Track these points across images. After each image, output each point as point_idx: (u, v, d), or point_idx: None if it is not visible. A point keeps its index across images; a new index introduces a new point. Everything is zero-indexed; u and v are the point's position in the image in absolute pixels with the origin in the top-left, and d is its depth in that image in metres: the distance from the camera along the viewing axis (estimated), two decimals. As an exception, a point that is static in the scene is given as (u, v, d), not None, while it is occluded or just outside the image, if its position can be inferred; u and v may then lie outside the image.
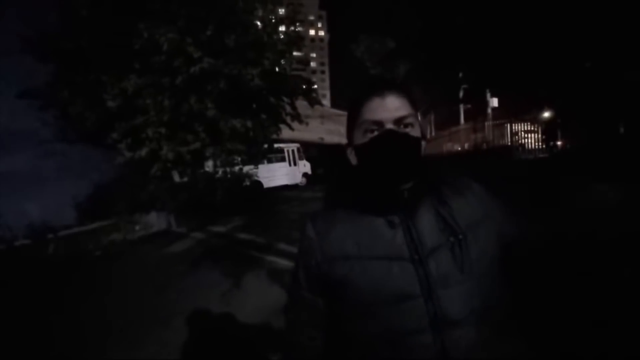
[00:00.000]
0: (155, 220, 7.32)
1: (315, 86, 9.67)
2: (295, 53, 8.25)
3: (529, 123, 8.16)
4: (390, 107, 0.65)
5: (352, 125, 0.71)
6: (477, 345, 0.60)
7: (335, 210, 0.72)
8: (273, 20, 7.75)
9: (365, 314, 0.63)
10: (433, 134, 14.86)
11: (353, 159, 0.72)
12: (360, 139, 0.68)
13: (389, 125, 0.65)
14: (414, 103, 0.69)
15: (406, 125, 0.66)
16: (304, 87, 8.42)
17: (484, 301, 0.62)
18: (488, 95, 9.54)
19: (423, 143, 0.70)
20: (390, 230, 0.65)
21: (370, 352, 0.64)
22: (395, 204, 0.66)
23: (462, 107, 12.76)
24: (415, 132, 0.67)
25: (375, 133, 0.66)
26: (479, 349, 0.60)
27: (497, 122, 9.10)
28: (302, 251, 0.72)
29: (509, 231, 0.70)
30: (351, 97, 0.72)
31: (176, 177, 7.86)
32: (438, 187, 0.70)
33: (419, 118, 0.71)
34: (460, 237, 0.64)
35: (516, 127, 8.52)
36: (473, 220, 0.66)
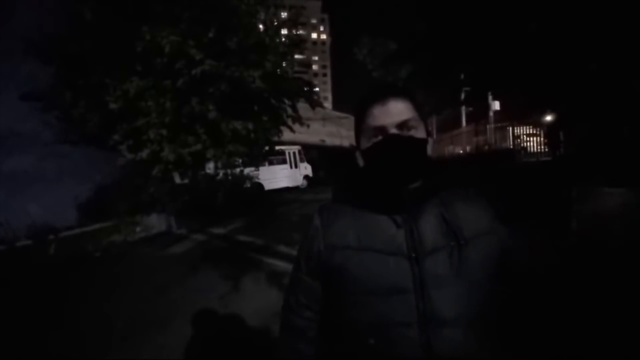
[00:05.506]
0: (156, 222, 7.31)
1: (317, 89, 9.68)
2: (296, 56, 8.27)
3: (531, 126, 8.14)
4: (392, 112, 0.66)
5: (358, 131, 0.73)
6: (461, 346, 0.61)
7: (341, 204, 0.74)
8: (275, 23, 7.78)
9: (357, 302, 0.65)
10: (435, 136, 14.85)
11: (360, 161, 0.74)
12: (366, 143, 0.70)
13: (393, 130, 0.66)
14: (416, 105, 0.69)
15: (409, 129, 0.67)
16: (306, 89, 8.43)
17: (474, 307, 0.62)
18: (490, 98, 9.53)
19: (430, 140, 0.71)
20: (393, 228, 0.66)
21: (358, 340, 0.65)
22: (399, 204, 0.67)
23: (463, 110, 12.74)
24: (419, 133, 0.68)
25: (379, 138, 0.67)
26: (463, 350, 0.61)
27: (499, 125, 9.09)
28: (307, 238, 0.75)
29: (510, 249, 0.71)
30: (356, 104, 0.74)
31: (177, 179, 7.87)
32: (446, 190, 0.71)
33: (424, 117, 0.72)
34: (462, 242, 0.64)
35: (518, 130, 8.50)
36: (477, 230, 0.67)
